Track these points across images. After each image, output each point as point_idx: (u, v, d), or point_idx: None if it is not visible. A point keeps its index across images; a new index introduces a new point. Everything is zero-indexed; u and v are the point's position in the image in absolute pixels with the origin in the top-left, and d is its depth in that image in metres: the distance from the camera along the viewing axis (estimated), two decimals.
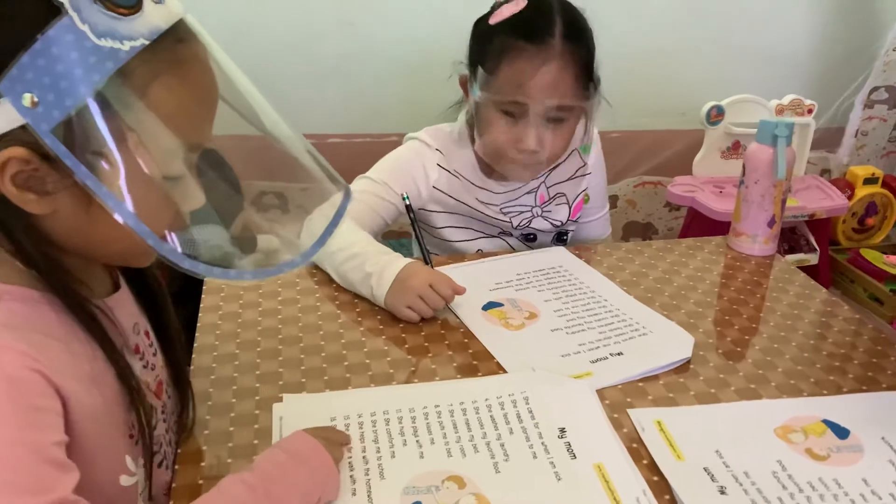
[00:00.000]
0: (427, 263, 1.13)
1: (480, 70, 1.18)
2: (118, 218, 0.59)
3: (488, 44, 1.19)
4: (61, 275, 0.66)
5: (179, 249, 0.61)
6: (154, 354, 0.80)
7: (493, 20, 1.18)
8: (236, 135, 0.69)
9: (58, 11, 0.55)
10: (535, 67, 1.14)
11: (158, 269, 0.81)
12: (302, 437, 0.75)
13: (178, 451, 0.79)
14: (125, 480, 0.71)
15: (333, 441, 0.77)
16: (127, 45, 0.57)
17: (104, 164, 0.59)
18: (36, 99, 0.55)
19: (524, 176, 1.29)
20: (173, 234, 0.63)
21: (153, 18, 0.59)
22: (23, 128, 0.56)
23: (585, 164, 1.35)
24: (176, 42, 0.61)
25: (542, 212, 1.34)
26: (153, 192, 0.62)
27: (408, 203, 1.22)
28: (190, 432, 0.82)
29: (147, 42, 0.58)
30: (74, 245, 0.66)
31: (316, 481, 0.71)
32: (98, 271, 0.74)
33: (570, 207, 1.36)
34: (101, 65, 0.56)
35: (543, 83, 1.14)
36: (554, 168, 1.33)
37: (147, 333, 0.80)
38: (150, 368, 0.78)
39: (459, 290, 1.06)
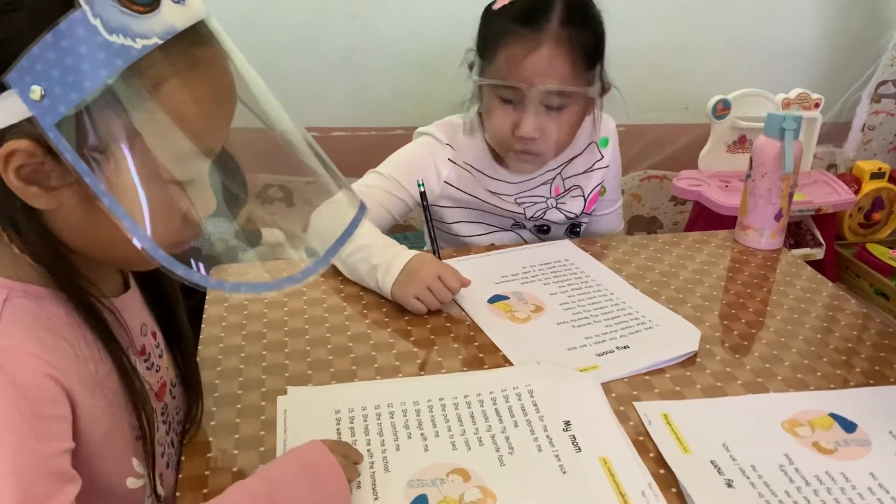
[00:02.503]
0: (435, 254, 1.13)
1: (478, 56, 1.20)
2: (114, 217, 0.58)
3: (488, 29, 1.20)
4: (68, 272, 0.65)
5: (173, 257, 0.59)
6: (160, 356, 0.79)
7: (496, 6, 1.19)
8: (245, 128, 0.69)
9: (71, 4, 0.54)
10: (528, 51, 1.13)
11: None
12: (320, 450, 0.72)
13: (184, 442, 0.79)
14: (132, 483, 0.71)
15: (350, 458, 0.75)
16: (139, 44, 0.56)
17: (107, 163, 0.58)
18: (44, 92, 0.54)
19: (527, 168, 1.28)
20: (170, 239, 0.62)
21: (170, 18, 0.58)
22: (30, 120, 0.56)
23: (602, 157, 1.35)
24: (192, 44, 0.60)
25: (557, 203, 1.34)
26: (157, 196, 0.61)
27: (422, 190, 1.21)
28: (196, 431, 0.81)
29: (160, 42, 0.57)
30: (79, 244, 0.65)
31: (326, 501, 0.69)
32: (108, 271, 0.74)
33: (585, 200, 1.36)
34: (111, 62, 0.55)
35: (536, 67, 1.14)
36: (570, 160, 1.33)
37: (154, 334, 0.79)
38: (155, 370, 0.78)
39: (466, 283, 1.06)
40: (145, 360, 0.76)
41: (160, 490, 0.74)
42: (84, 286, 0.66)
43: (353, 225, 0.68)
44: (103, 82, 0.55)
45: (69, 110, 0.55)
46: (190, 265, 0.60)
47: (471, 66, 1.25)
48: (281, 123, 0.67)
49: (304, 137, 0.68)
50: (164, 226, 0.62)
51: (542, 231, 1.37)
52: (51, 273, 0.64)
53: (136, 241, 0.58)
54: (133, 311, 0.75)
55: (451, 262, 1.14)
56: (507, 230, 1.35)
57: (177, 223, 0.64)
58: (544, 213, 1.33)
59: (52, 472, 0.59)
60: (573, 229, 1.39)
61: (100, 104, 0.56)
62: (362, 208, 0.69)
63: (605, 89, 1.23)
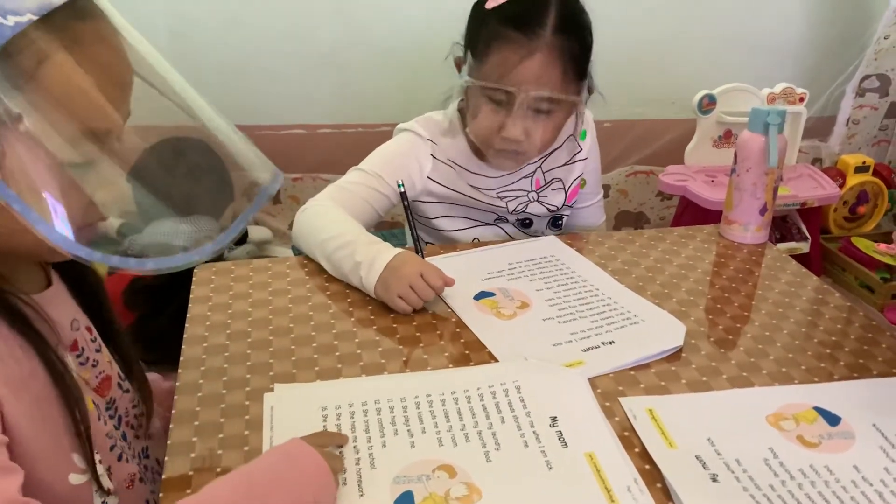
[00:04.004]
0: (419, 253, 1.12)
1: (469, 54, 1.19)
2: (3, 201, 0.55)
3: (481, 28, 1.19)
4: None
5: (73, 237, 0.57)
6: (97, 350, 0.78)
7: (489, 5, 1.18)
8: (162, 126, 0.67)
9: None
10: (521, 57, 1.14)
11: None
12: (297, 442, 0.71)
13: (169, 442, 0.79)
14: (75, 479, 0.69)
15: (331, 443, 0.74)
16: (11, 21, 0.53)
17: None
18: None
19: (508, 165, 1.29)
20: (69, 221, 0.59)
21: None
22: None
23: (581, 149, 1.36)
24: (74, 19, 0.58)
25: (539, 196, 1.34)
26: (51, 179, 0.58)
27: (402, 191, 1.21)
28: (147, 425, 0.80)
29: (35, 17, 0.54)
30: None
31: (307, 483, 0.68)
32: (26, 267, 0.72)
33: (565, 192, 1.36)
34: None
35: (527, 74, 1.14)
36: (550, 154, 1.33)
37: (89, 329, 0.78)
38: (92, 365, 0.76)
39: (449, 282, 1.06)
40: (78, 356, 0.74)
41: (105, 484, 0.73)
42: None
43: (265, 193, 0.66)
44: None
45: None
46: (94, 248, 0.58)
47: (457, 62, 1.25)
48: (188, 99, 0.64)
49: (213, 112, 0.66)
50: (62, 209, 0.59)
51: (525, 225, 1.37)
52: None
53: (34, 226, 0.56)
54: (59, 307, 0.73)
55: (436, 258, 1.14)
56: (490, 224, 1.35)
57: (78, 206, 0.62)
58: (526, 206, 1.34)
59: None
60: (555, 222, 1.39)
61: None
62: (277, 177, 0.67)
63: (589, 92, 1.24)
